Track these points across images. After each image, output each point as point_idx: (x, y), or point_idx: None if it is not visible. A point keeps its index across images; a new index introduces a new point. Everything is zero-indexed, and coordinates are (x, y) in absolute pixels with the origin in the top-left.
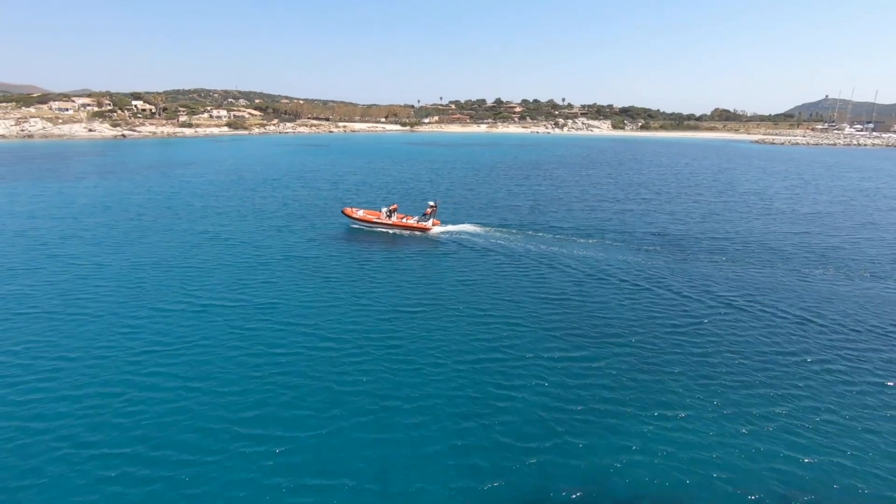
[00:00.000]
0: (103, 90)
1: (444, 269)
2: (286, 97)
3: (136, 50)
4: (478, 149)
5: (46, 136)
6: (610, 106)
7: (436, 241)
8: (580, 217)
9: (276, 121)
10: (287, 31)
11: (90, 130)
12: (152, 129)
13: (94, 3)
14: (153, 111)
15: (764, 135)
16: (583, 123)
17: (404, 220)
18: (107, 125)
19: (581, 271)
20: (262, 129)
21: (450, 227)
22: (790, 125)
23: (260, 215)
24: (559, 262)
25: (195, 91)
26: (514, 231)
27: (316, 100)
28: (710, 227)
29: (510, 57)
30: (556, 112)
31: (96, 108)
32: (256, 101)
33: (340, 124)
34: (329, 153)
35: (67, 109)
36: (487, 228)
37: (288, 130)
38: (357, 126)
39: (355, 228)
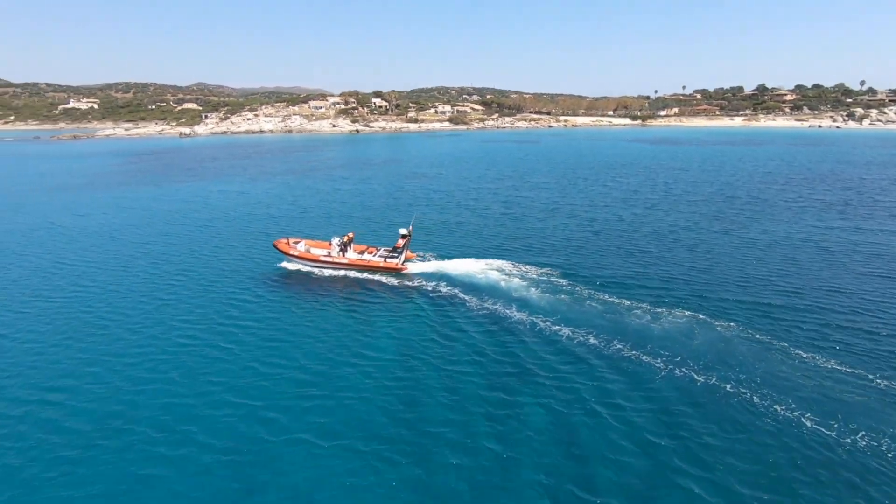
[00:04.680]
0: (368, 91)
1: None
2: (515, 92)
3: (404, 54)
4: (729, 148)
5: (302, 131)
6: None
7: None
8: None
9: (495, 115)
10: (528, 29)
11: (333, 126)
12: (383, 124)
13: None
14: (387, 108)
15: None
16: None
17: (364, 254)
18: (347, 121)
19: None
20: (481, 124)
21: (434, 265)
22: None
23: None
24: None
25: (436, 89)
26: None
27: (543, 94)
28: None
29: (773, 32)
30: (851, 100)
31: (342, 106)
32: (487, 96)
33: (561, 118)
34: (536, 150)
35: (321, 107)
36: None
37: (505, 125)
38: (579, 120)
39: (293, 270)
